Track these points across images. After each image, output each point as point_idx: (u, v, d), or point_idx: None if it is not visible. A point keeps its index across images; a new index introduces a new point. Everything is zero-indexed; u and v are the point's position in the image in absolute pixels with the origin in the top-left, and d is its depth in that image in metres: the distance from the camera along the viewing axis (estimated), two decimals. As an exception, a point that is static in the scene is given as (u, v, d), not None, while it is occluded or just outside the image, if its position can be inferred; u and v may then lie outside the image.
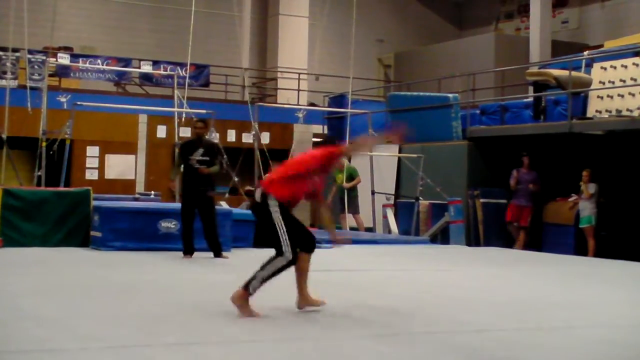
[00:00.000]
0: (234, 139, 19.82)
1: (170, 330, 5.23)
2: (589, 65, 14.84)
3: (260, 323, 5.63)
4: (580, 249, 13.84)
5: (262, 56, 24.39)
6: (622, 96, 13.62)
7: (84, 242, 11.14)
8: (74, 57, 19.64)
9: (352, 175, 15.80)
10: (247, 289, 5.82)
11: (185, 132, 16.57)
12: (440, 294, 7.66)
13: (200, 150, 10.26)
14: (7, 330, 5.06)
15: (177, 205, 13.28)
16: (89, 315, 5.72)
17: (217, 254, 10.19)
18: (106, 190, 16.44)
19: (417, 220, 15.34)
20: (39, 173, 13.82)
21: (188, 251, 10.16)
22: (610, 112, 13.70)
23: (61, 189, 12.43)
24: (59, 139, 13.95)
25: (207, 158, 10.24)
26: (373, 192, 16.22)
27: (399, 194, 16.64)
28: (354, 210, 15.96)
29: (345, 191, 15.77)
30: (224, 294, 7.08)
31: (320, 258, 10.85)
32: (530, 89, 16.44)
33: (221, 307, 6.29)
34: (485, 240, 15.08)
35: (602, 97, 13.95)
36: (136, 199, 14.86)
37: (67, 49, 20.58)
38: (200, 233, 10.29)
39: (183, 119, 16.08)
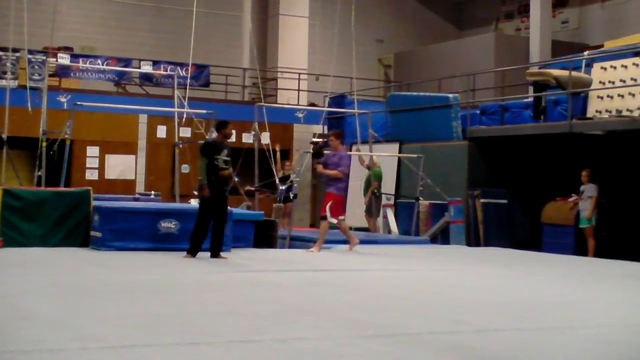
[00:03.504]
0: (234, 139, 19.79)
1: (170, 330, 5.23)
2: (589, 65, 14.85)
3: (260, 322, 5.63)
4: (580, 249, 13.84)
5: (263, 56, 24.39)
6: (622, 96, 13.63)
7: (84, 242, 11.14)
8: (74, 57, 19.66)
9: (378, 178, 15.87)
10: None
11: (186, 133, 16.56)
12: (441, 294, 7.66)
13: (225, 151, 10.34)
14: (6, 330, 5.06)
15: (176, 205, 13.30)
16: (89, 315, 5.72)
17: (216, 254, 10.19)
18: (106, 190, 16.45)
19: (417, 220, 15.35)
20: (39, 173, 13.81)
21: (194, 251, 10.14)
22: (610, 112, 13.70)
23: (61, 189, 12.43)
24: (59, 139, 13.94)
25: (230, 159, 10.38)
26: (373, 193, 16.21)
27: (399, 194, 16.65)
28: (377, 213, 16.00)
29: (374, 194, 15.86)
30: (224, 294, 7.09)
31: (321, 258, 10.89)
32: (530, 89, 16.46)
33: (221, 307, 6.29)
34: (485, 240, 15.09)
35: (602, 97, 13.96)
36: (136, 199, 14.86)
37: (67, 49, 20.59)
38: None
39: (183, 119, 16.08)
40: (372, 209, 15.81)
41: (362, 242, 13.32)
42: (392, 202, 16.53)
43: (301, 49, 23.59)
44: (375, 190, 15.70)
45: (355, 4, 17.49)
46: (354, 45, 17.17)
